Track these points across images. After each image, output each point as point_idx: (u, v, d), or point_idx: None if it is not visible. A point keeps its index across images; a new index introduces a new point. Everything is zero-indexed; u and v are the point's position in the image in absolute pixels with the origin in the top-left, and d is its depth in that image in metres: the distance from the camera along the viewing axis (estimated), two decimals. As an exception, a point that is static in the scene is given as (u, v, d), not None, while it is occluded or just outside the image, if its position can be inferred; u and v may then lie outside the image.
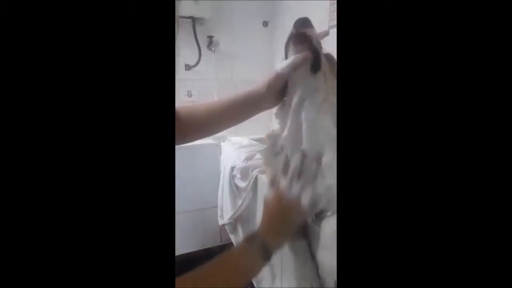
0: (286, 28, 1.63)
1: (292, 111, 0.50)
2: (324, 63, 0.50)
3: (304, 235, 0.58)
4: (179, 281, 0.34)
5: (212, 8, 1.47)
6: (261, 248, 0.44)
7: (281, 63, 0.50)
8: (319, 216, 0.51)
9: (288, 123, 0.51)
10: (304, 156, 0.49)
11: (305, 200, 0.47)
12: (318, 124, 0.49)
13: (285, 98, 0.54)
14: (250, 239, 0.45)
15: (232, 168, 1.04)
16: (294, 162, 0.49)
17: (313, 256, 0.53)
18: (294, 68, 0.48)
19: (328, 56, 0.52)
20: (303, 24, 0.49)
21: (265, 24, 1.66)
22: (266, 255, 0.44)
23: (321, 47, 0.51)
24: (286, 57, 0.51)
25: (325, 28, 1.18)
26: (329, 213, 0.50)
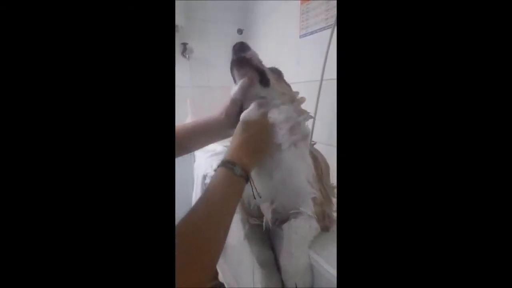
0: (261, 35, 1.63)
1: None
2: (270, 76, 0.53)
3: (270, 246, 0.58)
4: (179, 227, 0.34)
5: (186, 15, 1.46)
6: (239, 169, 0.43)
7: (232, 89, 0.53)
8: (283, 220, 0.52)
9: None
10: None
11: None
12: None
13: None
14: (226, 163, 0.44)
15: (204, 177, 1.02)
16: None
17: (278, 266, 0.54)
18: (244, 91, 0.51)
19: (272, 69, 0.55)
20: (241, 48, 0.52)
21: (240, 31, 1.66)
22: (244, 174, 0.44)
23: (263, 65, 0.53)
24: (235, 82, 0.54)
25: (297, 35, 1.19)
26: (291, 218, 0.51)
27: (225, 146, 1.35)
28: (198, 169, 1.15)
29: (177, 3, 1.33)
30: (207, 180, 1.00)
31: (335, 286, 0.41)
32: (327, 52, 0.85)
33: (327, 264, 0.45)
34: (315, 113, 0.93)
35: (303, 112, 0.55)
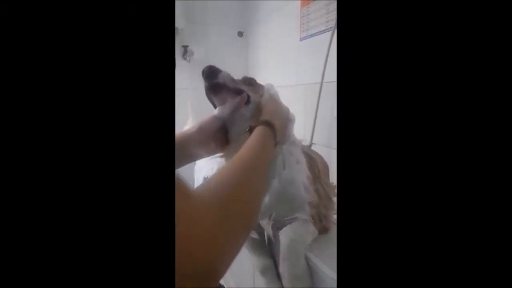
0: (262, 38, 1.63)
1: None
2: (248, 91, 0.53)
3: (270, 253, 0.59)
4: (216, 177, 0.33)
5: (186, 18, 1.46)
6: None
7: (219, 108, 0.51)
8: (280, 226, 0.52)
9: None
10: None
11: None
12: None
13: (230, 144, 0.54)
14: (268, 124, 0.44)
15: (205, 179, 1.02)
16: None
17: (278, 273, 0.54)
18: (235, 109, 0.50)
19: (245, 80, 0.55)
20: (210, 74, 0.50)
21: (240, 34, 1.67)
22: (275, 142, 0.44)
23: (237, 83, 0.53)
24: (215, 107, 0.53)
25: (298, 37, 1.20)
26: (287, 223, 0.51)
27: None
28: (199, 172, 1.15)
29: (177, 5, 1.34)
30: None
31: (336, 289, 0.41)
32: (327, 55, 0.86)
33: (327, 267, 0.44)
34: (316, 116, 0.93)
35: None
